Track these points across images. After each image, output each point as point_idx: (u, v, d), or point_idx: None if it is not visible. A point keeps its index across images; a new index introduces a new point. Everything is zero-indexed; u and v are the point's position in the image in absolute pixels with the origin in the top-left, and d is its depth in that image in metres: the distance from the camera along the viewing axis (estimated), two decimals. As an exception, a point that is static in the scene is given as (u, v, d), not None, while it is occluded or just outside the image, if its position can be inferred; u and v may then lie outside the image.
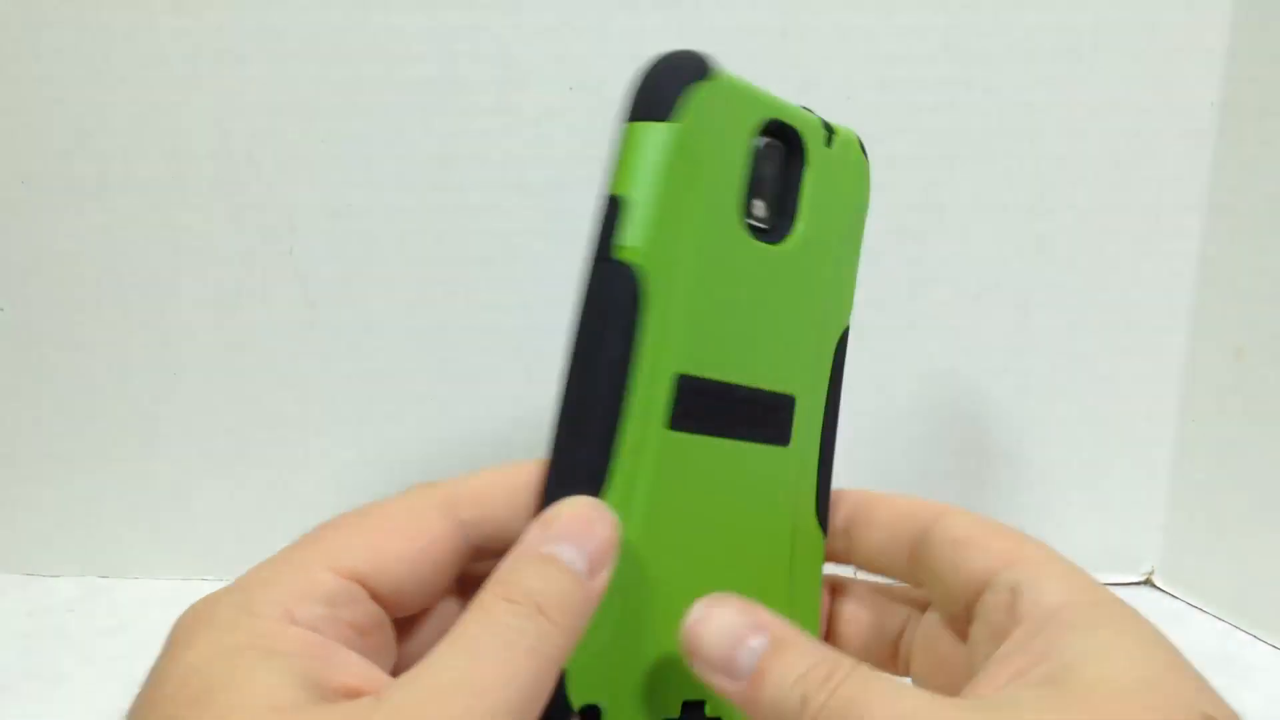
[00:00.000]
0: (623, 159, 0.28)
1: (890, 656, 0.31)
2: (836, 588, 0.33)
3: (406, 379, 0.45)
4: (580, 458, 0.29)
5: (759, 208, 0.30)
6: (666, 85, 0.28)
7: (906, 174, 0.42)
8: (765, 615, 0.26)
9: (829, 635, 0.32)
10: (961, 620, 0.28)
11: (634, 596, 0.28)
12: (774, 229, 0.30)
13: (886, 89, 0.41)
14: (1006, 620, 0.26)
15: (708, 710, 0.29)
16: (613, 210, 0.28)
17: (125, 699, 0.42)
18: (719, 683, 0.26)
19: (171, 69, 0.42)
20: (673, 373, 0.28)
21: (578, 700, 0.27)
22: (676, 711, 0.29)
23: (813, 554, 0.32)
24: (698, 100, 0.28)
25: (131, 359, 0.45)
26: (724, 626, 0.26)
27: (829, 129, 0.31)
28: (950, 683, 0.28)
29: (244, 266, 0.44)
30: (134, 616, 0.45)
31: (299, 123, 0.42)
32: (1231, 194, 0.43)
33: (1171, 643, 0.25)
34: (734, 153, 0.29)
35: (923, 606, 0.31)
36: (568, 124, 0.42)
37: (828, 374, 0.31)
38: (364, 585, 0.25)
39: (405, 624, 0.26)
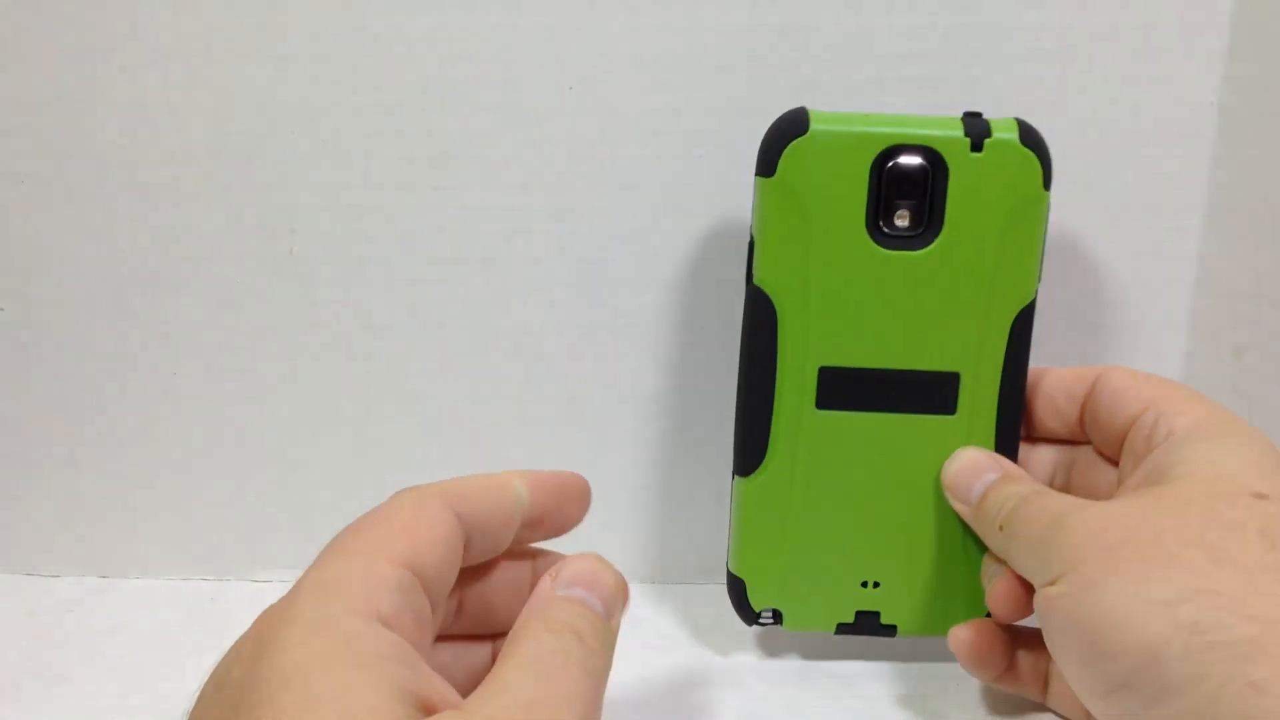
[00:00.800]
0: (754, 206, 0.37)
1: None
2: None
3: (406, 379, 0.45)
4: (746, 437, 0.39)
5: (903, 218, 0.36)
6: (770, 145, 0.36)
7: (906, 174, 0.42)
8: (1003, 461, 0.37)
9: None
10: (1115, 454, 0.36)
11: (801, 529, 0.39)
12: (921, 234, 0.36)
13: (886, 89, 0.42)
14: (1145, 446, 0.34)
15: (882, 619, 0.40)
16: (750, 247, 0.37)
17: (125, 699, 0.43)
18: (957, 506, 0.37)
19: (171, 69, 0.42)
20: (816, 365, 0.37)
21: (758, 605, 0.40)
22: (851, 618, 0.40)
23: None
24: (794, 155, 0.36)
25: (131, 359, 0.45)
26: (966, 465, 0.37)
27: (980, 134, 0.36)
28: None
29: (244, 266, 0.44)
30: (134, 616, 0.45)
31: (299, 123, 0.43)
32: (1231, 194, 0.43)
33: (1272, 447, 0.32)
34: (849, 184, 0.36)
35: (1073, 444, 0.39)
36: (568, 124, 0.42)
37: (1002, 349, 0.37)
38: (416, 575, 0.26)
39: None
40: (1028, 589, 0.34)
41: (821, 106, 0.42)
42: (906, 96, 0.42)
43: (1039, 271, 0.37)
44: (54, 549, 0.48)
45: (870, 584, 0.40)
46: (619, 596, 0.28)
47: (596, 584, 0.27)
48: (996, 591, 0.35)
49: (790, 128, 0.36)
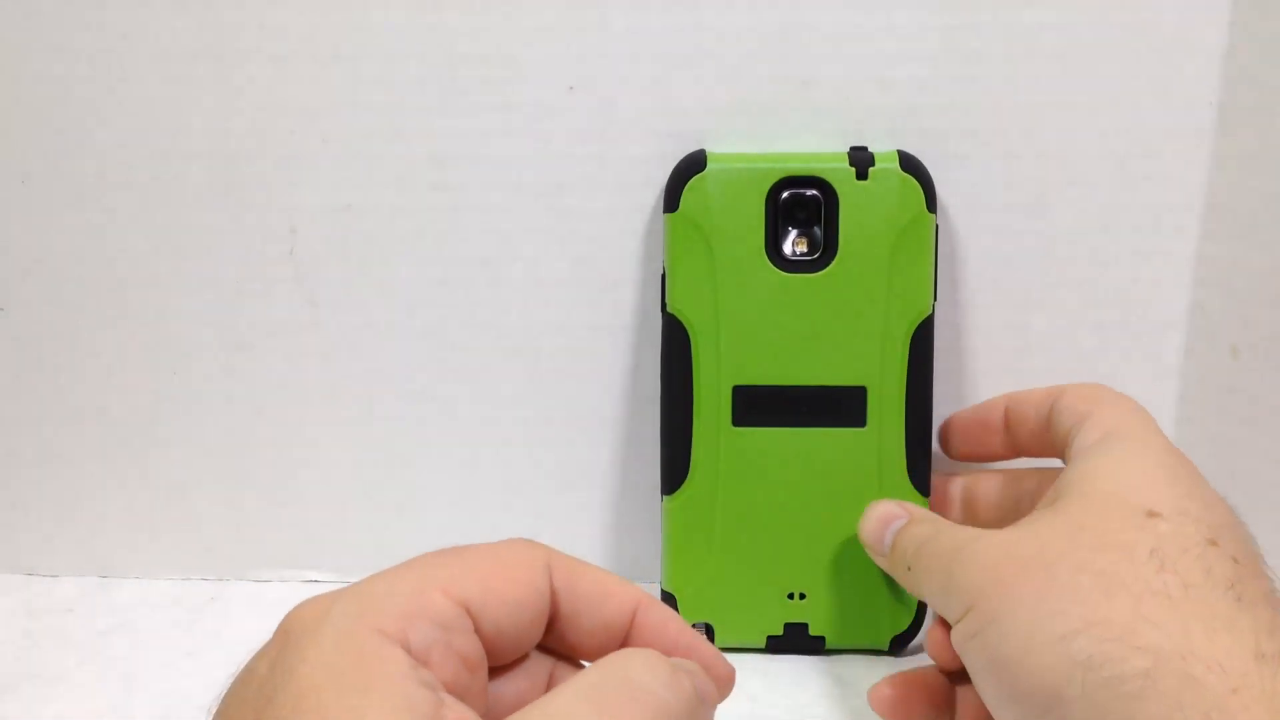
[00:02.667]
0: (664, 239, 0.40)
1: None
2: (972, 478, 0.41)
3: (406, 379, 0.45)
4: (669, 457, 0.41)
5: (800, 244, 0.39)
6: (673, 183, 0.40)
7: (906, 174, 0.42)
8: (910, 507, 0.37)
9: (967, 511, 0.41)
10: None
11: (726, 544, 0.41)
12: (818, 258, 0.39)
13: (886, 89, 0.42)
14: (1067, 459, 0.34)
15: (810, 630, 0.41)
16: (663, 278, 0.40)
17: (125, 699, 0.43)
18: (877, 560, 0.37)
19: (171, 69, 0.42)
20: (730, 385, 0.40)
21: (690, 619, 0.40)
22: (780, 630, 0.41)
23: None
24: (693, 191, 0.39)
25: (131, 359, 0.45)
26: (877, 518, 0.36)
27: (864, 164, 0.39)
28: None
29: (244, 266, 0.44)
30: (134, 616, 0.45)
31: (299, 123, 0.43)
32: (1229, 193, 0.43)
33: (1176, 462, 0.32)
34: (747, 215, 0.39)
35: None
36: (568, 124, 0.42)
37: (904, 362, 0.40)
38: (471, 616, 0.25)
39: (496, 671, 0.26)
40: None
41: (821, 104, 0.43)
42: (907, 95, 0.42)
43: (933, 287, 0.40)
44: (54, 549, 0.48)
45: (797, 595, 0.41)
46: (725, 685, 0.26)
47: (703, 657, 0.26)
48: (931, 639, 0.34)
49: (689, 167, 0.40)
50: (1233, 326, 0.44)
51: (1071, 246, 0.44)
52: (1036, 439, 0.38)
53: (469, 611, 0.25)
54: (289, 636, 0.23)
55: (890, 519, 0.36)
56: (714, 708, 0.26)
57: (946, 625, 0.32)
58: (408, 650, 0.23)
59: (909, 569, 0.34)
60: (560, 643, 0.27)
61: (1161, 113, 0.42)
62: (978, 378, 0.45)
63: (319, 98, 0.42)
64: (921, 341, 0.40)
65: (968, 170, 0.42)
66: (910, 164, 0.39)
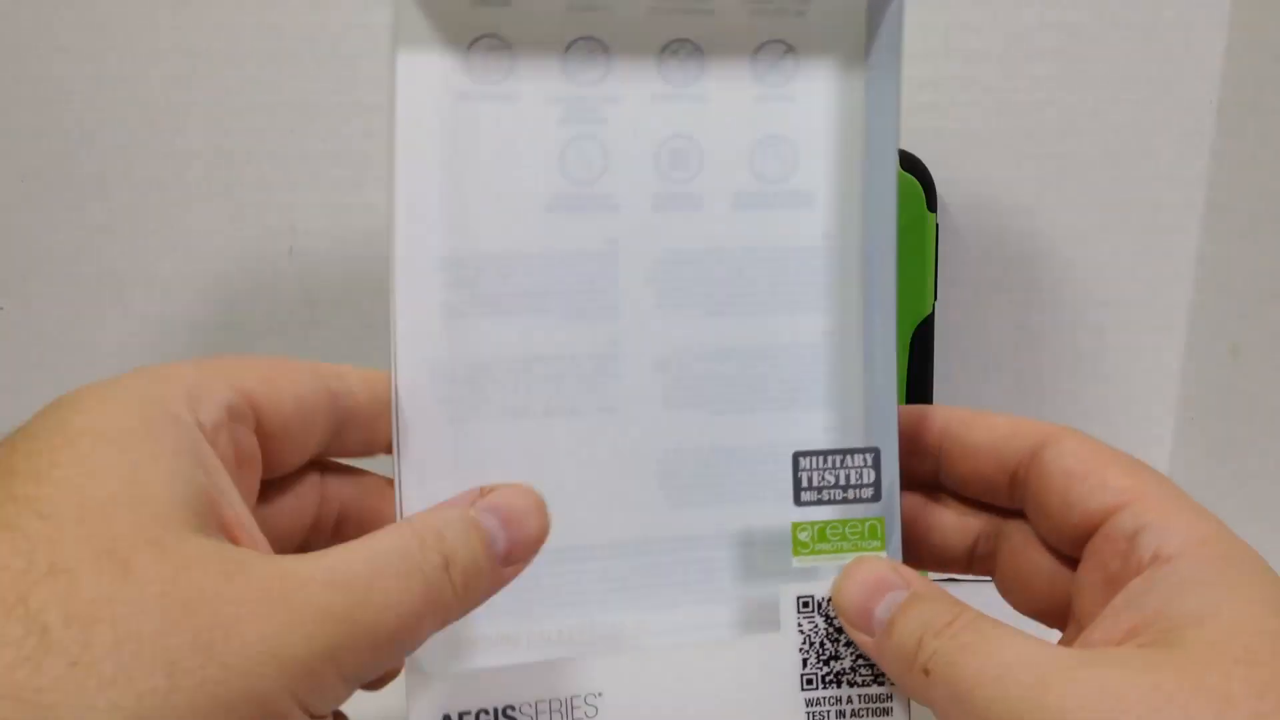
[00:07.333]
0: None
1: (965, 559, 0.30)
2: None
3: (407, 378, 0.45)
4: None
5: None
6: None
7: (906, 173, 0.42)
8: (908, 573, 0.26)
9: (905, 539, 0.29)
10: (1065, 549, 0.27)
11: None
12: None
13: (886, 89, 0.42)
14: (1122, 568, 0.25)
15: None
16: None
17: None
18: (856, 638, 0.27)
19: (171, 69, 0.42)
20: None
21: None
22: None
23: None
24: None
25: (131, 358, 0.45)
26: (863, 583, 0.26)
27: None
28: (1035, 597, 0.28)
29: (244, 266, 0.44)
30: (134, 616, 0.45)
31: (299, 123, 0.42)
32: (1229, 193, 0.43)
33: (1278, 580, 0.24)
34: None
35: (1006, 514, 0.29)
36: (568, 124, 0.42)
37: (904, 362, 0.40)
38: (255, 410, 0.24)
39: (263, 488, 0.26)
40: None
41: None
42: (907, 95, 0.42)
43: (933, 287, 0.40)
44: (54, 549, 0.48)
45: None
46: (530, 548, 0.24)
47: (515, 524, 0.24)
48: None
49: None
50: (1233, 326, 0.44)
51: (1071, 246, 0.44)
52: (987, 485, 0.29)
53: (252, 404, 0.23)
54: (59, 401, 0.21)
55: (884, 587, 0.26)
56: (516, 567, 0.24)
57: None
58: (199, 428, 0.21)
59: (927, 672, 0.24)
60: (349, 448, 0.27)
61: (1161, 113, 0.42)
62: (978, 378, 0.45)
63: (319, 98, 0.42)
64: (921, 341, 0.40)
65: (968, 170, 0.42)
66: (910, 164, 0.39)
